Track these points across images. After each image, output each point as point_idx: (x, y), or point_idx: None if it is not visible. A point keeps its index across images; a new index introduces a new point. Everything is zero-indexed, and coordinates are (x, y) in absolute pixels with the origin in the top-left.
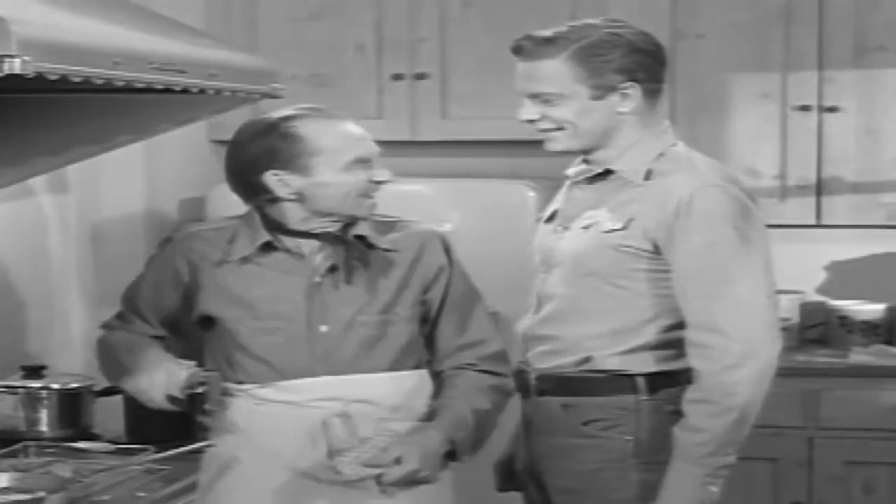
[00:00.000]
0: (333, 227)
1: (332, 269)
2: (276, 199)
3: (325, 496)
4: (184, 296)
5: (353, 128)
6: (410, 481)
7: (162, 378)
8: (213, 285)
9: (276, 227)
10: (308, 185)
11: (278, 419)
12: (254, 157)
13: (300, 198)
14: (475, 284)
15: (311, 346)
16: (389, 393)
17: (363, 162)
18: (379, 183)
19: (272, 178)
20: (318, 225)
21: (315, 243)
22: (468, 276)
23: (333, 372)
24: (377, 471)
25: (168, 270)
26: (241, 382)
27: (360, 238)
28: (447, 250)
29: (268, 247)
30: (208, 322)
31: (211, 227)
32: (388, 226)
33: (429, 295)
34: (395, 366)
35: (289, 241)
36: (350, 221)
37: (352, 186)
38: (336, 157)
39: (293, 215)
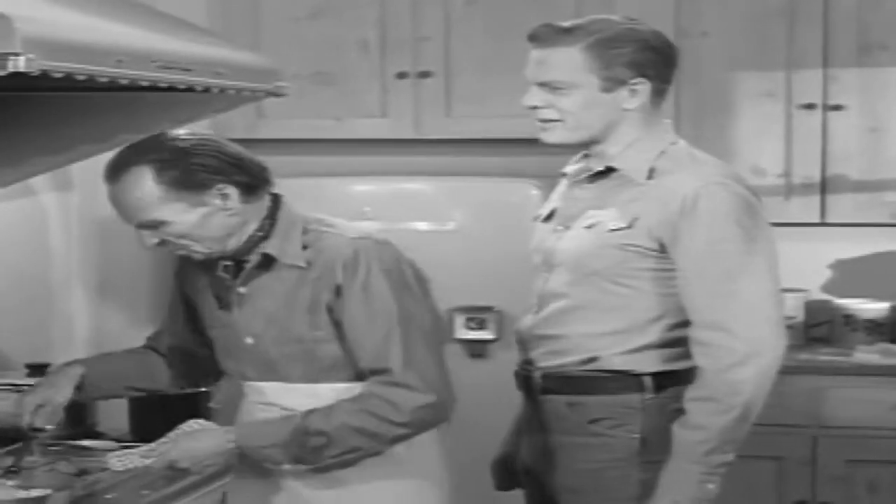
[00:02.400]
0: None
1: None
2: None
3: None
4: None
5: (109, 193)
6: (176, 471)
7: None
8: (196, 289)
9: None
10: None
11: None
12: None
13: None
14: (407, 303)
15: (243, 354)
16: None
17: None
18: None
19: None
20: None
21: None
22: (391, 293)
23: (269, 379)
24: (140, 462)
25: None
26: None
27: (266, 255)
28: (351, 266)
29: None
30: None
31: None
32: (316, 236)
33: (335, 315)
34: (330, 378)
35: None
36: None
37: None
38: None
39: None
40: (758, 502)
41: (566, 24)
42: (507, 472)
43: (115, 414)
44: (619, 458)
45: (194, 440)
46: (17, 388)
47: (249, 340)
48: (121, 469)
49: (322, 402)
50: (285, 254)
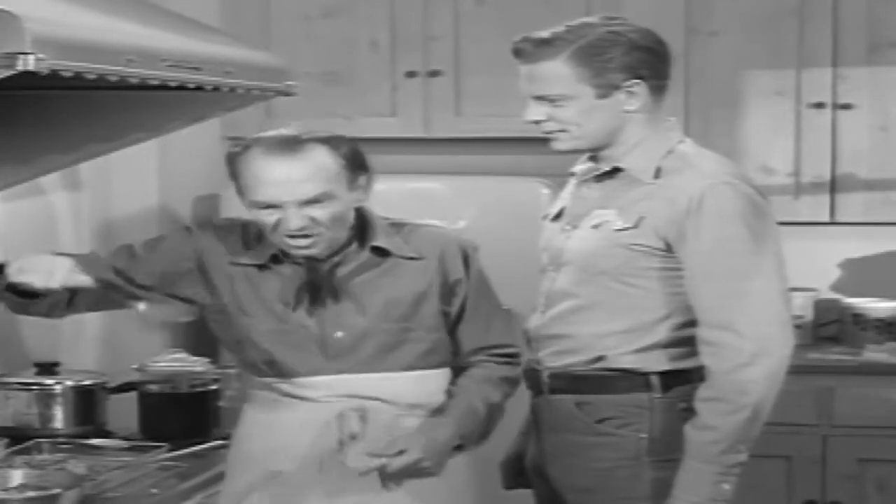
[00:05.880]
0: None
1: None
2: None
3: (343, 492)
4: (192, 278)
5: (270, 171)
6: (413, 472)
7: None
8: (226, 281)
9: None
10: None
11: (298, 413)
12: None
13: None
14: (491, 287)
15: (324, 349)
16: (407, 391)
17: (269, 206)
18: (289, 231)
19: (237, 195)
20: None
21: None
22: (487, 281)
23: (348, 371)
24: (381, 461)
25: (183, 247)
26: (263, 377)
27: (378, 249)
28: (465, 259)
29: (275, 257)
30: (223, 313)
31: (232, 222)
32: (398, 229)
33: (448, 308)
34: (415, 367)
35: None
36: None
37: (264, 225)
38: (247, 194)
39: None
40: (767, 501)
41: (545, 34)
42: (516, 472)
43: (124, 413)
44: (628, 458)
45: (430, 432)
46: (26, 386)
47: (339, 334)
48: (361, 469)
49: (398, 391)
50: (397, 247)
